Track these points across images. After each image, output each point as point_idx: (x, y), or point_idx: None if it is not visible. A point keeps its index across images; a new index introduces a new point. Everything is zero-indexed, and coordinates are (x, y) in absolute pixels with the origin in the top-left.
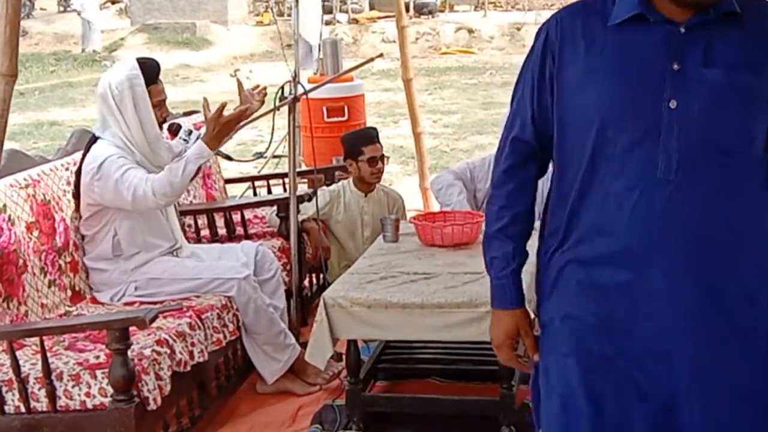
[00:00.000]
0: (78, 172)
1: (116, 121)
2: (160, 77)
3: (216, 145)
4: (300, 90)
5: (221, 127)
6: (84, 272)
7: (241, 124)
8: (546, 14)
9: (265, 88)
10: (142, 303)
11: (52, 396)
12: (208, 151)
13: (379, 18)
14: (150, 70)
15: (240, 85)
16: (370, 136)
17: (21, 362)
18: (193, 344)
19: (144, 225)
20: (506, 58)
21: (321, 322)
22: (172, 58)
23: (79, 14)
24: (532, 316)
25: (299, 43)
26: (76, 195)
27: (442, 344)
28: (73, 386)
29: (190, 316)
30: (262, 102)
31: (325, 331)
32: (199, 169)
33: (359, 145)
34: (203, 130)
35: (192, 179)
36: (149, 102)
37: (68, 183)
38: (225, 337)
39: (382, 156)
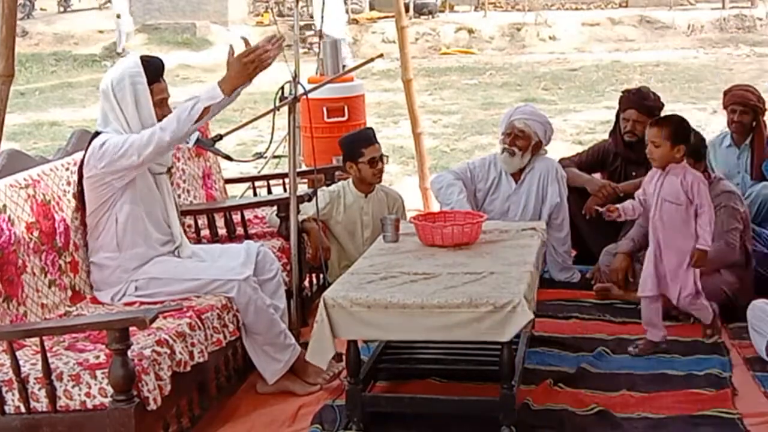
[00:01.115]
0: (80, 169)
1: (117, 117)
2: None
3: (230, 87)
4: (300, 90)
5: (240, 68)
6: (85, 272)
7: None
8: (546, 15)
9: (281, 38)
10: (142, 303)
11: (52, 396)
12: (220, 93)
13: (379, 18)
14: (153, 67)
15: (231, 52)
16: (368, 137)
17: (21, 362)
18: (193, 344)
19: (142, 211)
20: (506, 59)
21: (322, 322)
22: (172, 59)
23: (118, 17)
24: (531, 315)
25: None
26: (79, 194)
27: (442, 344)
28: (73, 386)
29: (191, 317)
30: (280, 48)
31: (326, 332)
32: (206, 111)
33: (359, 147)
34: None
35: (198, 121)
36: (150, 99)
37: (68, 183)
38: (225, 338)
39: (382, 156)
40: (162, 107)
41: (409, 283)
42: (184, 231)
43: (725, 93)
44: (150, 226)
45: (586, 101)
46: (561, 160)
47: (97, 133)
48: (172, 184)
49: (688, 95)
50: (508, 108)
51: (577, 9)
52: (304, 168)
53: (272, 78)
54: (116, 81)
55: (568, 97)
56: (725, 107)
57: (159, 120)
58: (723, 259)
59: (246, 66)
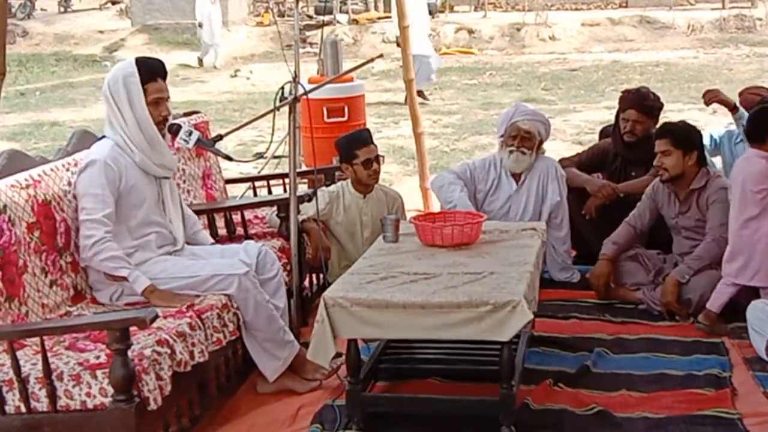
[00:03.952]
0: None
1: (116, 118)
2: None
3: (147, 298)
4: (300, 90)
5: (166, 300)
6: (85, 272)
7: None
8: (546, 15)
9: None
10: (143, 303)
11: (52, 396)
12: (140, 288)
13: (379, 18)
14: (147, 68)
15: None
16: (363, 138)
17: (21, 362)
18: (193, 344)
19: (138, 225)
20: (506, 59)
21: (323, 321)
22: (173, 59)
23: (200, 26)
24: (531, 315)
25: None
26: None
27: (442, 344)
28: (73, 386)
29: (191, 316)
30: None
31: (327, 331)
32: (120, 277)
33: (353, 149)
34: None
35: (108, 275)
36: (143, 99)
37: (69, 183)
38: (225, 337)
39: (377, 156)
40: (158, 107)
41: (409, 283)
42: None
43: (740, 94)
44: (145, 237)
45: (586, 101)
46: (561, 161)
47: (103, 136)
48: None
49: (687, 95)
50: (507, 108)
51: (577, 9)
52: (304, 168)
53: (273, 78)
54: (112, 82)
55: (568, 97)
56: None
57: (154, 119)
58: (712, 255)
59: (168, 301)
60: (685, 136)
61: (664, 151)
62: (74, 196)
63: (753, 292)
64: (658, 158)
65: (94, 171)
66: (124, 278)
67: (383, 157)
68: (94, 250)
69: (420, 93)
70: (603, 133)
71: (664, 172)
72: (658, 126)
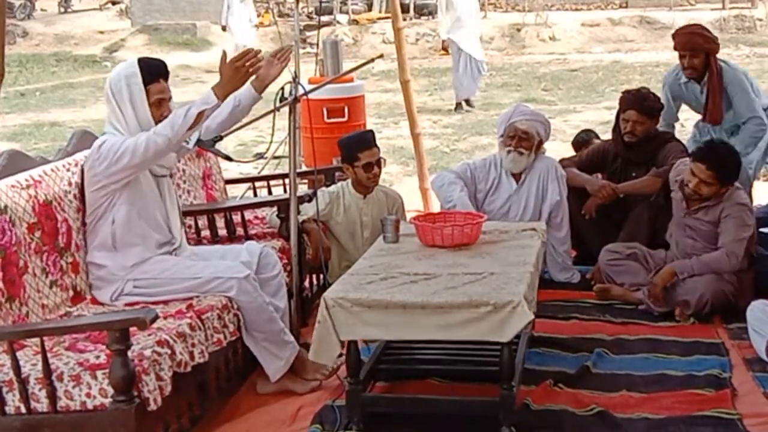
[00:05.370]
0: (83, 167)
1: (117, 118)
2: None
3: (223, 92)
4: (300, 91)
5: (232, 73)
6: (85, 272)
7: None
8: (546, 15)
9: (289, 50)
10: (143, 304)
11: (52, 396)
12: (214, 98)
13: (379, 19)
14: (149, 68)
15: (224, 57)
16: (366, 140)
17: (21, 363)
18: (193, 345)
19: (142, 211)
20: (506, 59)
21: (324, 321)
22: (173, 59)
23: (223, 29)
24: (531, 316)
25: (459, 62)
26: (80, 193)
27: (442, 345)
28: (73, 387)
29: (191, 317)
30: (287, 60)
31: (330, 330)
32: (201, 116)
33: (355, 151)
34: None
35: (193, 127)
36: (145, 100)
37: (70, 183)
38: (225, 338)
39: (378, 160)
40: (160, 107)
41: (410, 284)
42: (185, 232)
43: (673, 36)
44: (148, 227)
45: (586, 102)
46: (561, 161)
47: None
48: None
49: None
50: (507, 108)
51: (577, 10)
52: (304, 168)
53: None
54: (114, 83)
55: (568, 97)
56: (675, 50)
57: (156, 120)
58: (718, 266)
59: (237, 70)
60: (734, 174)
61: (707, 182)
62: (78, 195)
63: (752, 293)
64: (695, 183)
65: (110, 141)
66: (201, 114)
67: (384, 159)
68: (156, 133)
69: (467, 101)
70: (577, 141)
71: (695, 195)
72: (706, 151)
